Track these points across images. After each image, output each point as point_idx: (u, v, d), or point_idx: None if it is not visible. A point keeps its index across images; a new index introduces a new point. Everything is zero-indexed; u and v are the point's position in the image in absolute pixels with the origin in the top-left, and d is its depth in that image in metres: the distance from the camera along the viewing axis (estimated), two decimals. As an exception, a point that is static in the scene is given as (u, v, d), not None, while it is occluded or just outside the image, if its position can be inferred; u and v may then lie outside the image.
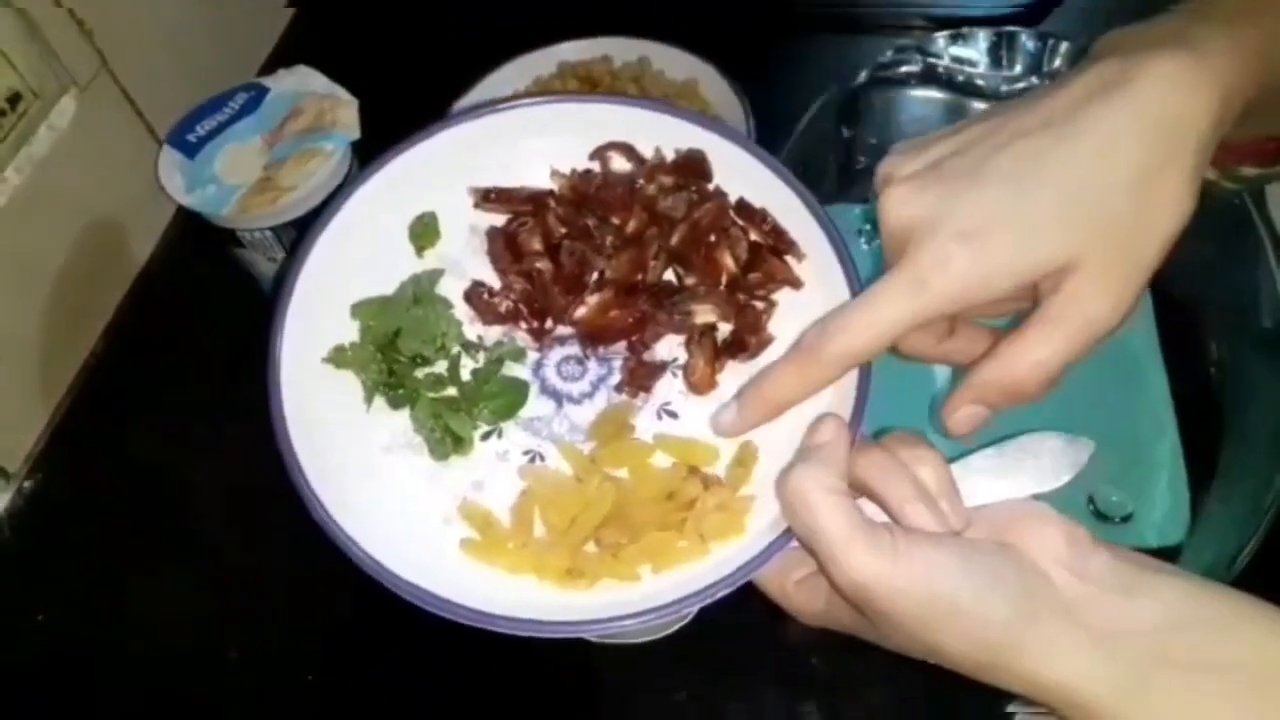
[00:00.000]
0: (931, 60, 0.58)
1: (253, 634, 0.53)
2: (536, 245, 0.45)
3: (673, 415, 0.43)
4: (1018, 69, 0.57)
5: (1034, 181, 0.35)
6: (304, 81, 0.64)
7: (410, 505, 0.41)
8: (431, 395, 0.43)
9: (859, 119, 0.61)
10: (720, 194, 0.45)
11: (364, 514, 0.39)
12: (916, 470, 0.36)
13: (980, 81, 0.57)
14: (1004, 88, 0.58)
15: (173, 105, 0.68)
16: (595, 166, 0.46)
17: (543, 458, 0.43)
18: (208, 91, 0.66)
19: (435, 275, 0.45)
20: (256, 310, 0.62)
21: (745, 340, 0.43)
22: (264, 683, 0.53)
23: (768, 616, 0.52)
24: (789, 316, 0.44)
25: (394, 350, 0.43)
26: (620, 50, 0.72)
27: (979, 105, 0.59)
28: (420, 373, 0.43)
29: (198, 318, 0.63)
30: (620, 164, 0.46)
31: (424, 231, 0.45)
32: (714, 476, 0.41)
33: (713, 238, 0.45)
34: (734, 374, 0.43)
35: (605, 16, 0.76)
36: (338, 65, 0.66)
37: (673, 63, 0.71)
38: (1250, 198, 0.51)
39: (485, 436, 0.43)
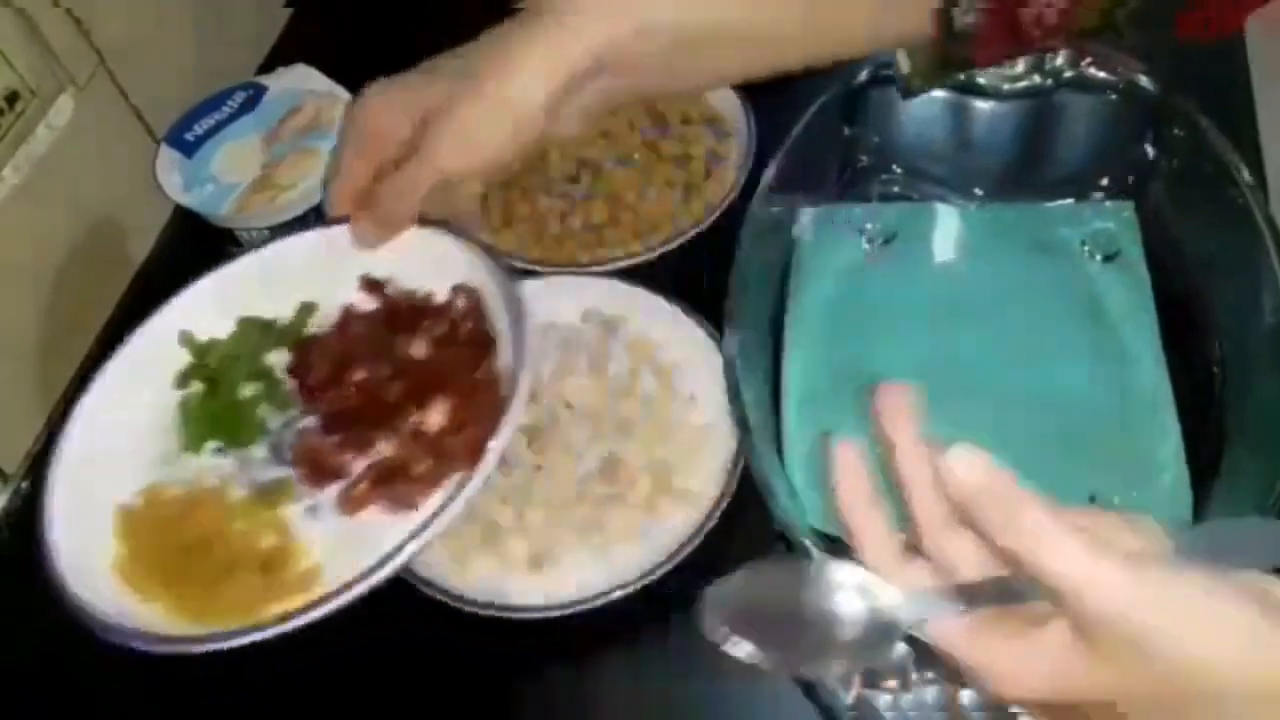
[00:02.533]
0: (932, 59, 0.58)
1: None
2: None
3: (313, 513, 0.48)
4: (1020, 68, 0.57)
5: None
6: (302, 80, 0.64)
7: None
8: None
9: (860, 118, 0.61)
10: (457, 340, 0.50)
11: None
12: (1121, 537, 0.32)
13: (982, 80, 0.57)
14: (1006, 87, 0.58)
15: (171, 104, 0.68)
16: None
17: None
18: (206, 91, 0.66)
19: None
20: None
21: (399, 484, 0.47)
22: (264, 683, 0.53)
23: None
24: None
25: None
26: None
27: (981, 104, 0.59)
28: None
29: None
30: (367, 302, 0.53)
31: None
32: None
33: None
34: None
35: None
36: (336, 65, 0.66)
37: (673, 61, 0.70)
38: (1252, 196, 0.51)
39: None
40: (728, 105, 0.68)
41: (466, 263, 0.51)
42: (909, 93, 0.49)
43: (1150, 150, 0.59)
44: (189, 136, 0.61)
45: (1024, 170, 0.61)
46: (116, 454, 0.51)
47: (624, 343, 0.59)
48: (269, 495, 0.49)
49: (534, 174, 0.67)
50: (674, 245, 0.62)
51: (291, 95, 0.62)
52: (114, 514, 0.49)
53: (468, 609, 0.50)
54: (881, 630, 0.33)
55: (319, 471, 0.49)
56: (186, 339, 0.53)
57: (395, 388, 0.49)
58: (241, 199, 0.58)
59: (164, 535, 0.49)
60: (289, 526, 0.48)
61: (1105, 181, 0.61)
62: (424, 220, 0.51)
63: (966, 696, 0.48)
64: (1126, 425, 0.52)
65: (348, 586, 0.42)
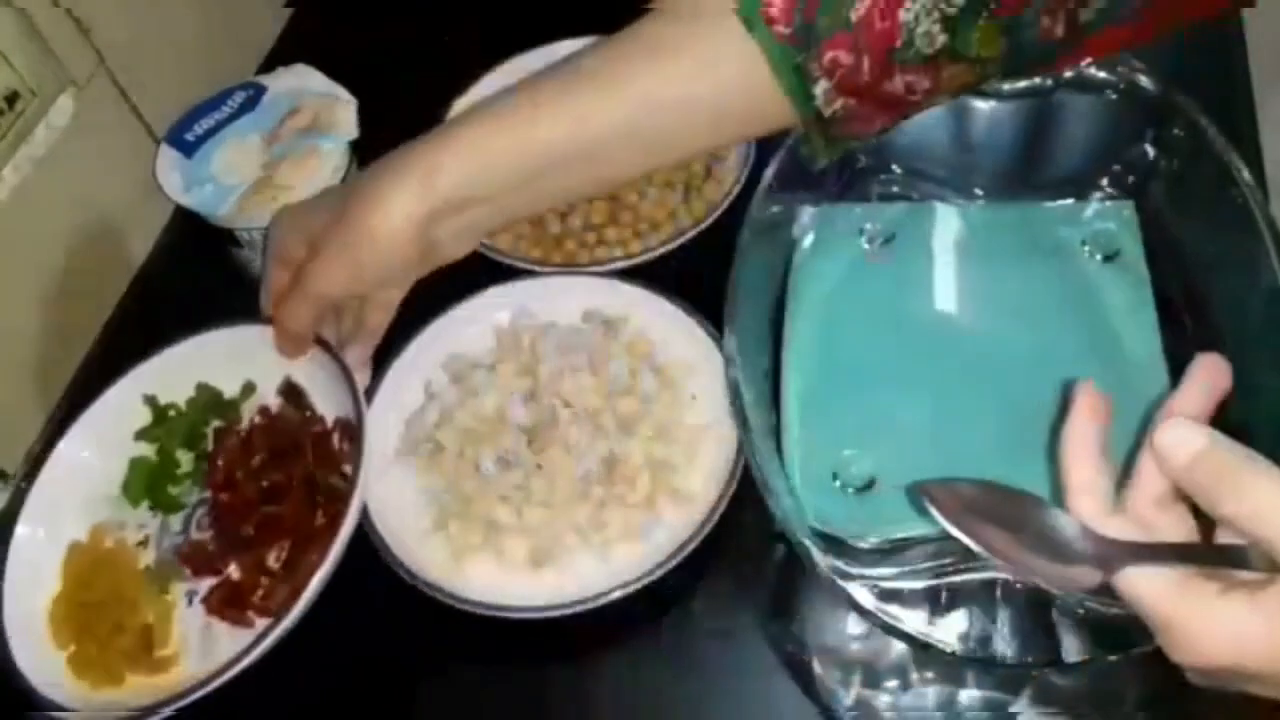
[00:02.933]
0: (932, 59, 0.58)
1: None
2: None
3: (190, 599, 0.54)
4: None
5: None
6: (302, 81, 0.64)
7: None
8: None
9: (860, 118, 0.61)
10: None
11: None
12: None
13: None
14: (1006, 87, 0.58)
15: (171, 104, 0.68)
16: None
17: None
18: (206, 91, 0.66)
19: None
20: (254, 309, 0.62)
21: (237, 605, 0.52)
22: (264, 682, 0.53)
23: (766, 617, 0.52)
24: None
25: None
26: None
27: (980, 104, 0.59)
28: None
29: (195, 317, 0.63)
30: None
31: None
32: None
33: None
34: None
35: (605, 16, 0.75)
36: (336, 65, 0.66)
37: (673, 62, 0.70)
38: (1252, 196, 0.51)
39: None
40: (728, 105, 0.68)
41: (345, 395, 0.55)
42: (815, 163, 0.50)
43: (1150, 150, 0.59)
44: (189, 136, 0.61)
45: (1024, 170, 0.61)
46: (82, 487, 0.57)
47: (624, 343, 0.59)
48: (164, 572, 0.55)
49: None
50: (674, 245, 0.62)
51: (291, 95, 0.62)
52: (66, 547, 0.55)
53: (468, 609, 0.50)
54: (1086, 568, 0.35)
55: (198, 564, 0.54)
56: (149, 400, 0.59)
57: (255, 517, 0.54)
58: (241, 199, 0.57)
59: (83, 586, 0.54)
60: (170, 608, 0.54)
61: (1105, 181, 0.61)
62: (321, 342, 0.56)
63: (965, 696, 0.48)
64: (1126, 423, 0.52)
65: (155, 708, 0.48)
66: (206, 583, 0.54)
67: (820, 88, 0.44)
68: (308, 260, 0.52)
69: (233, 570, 0.53)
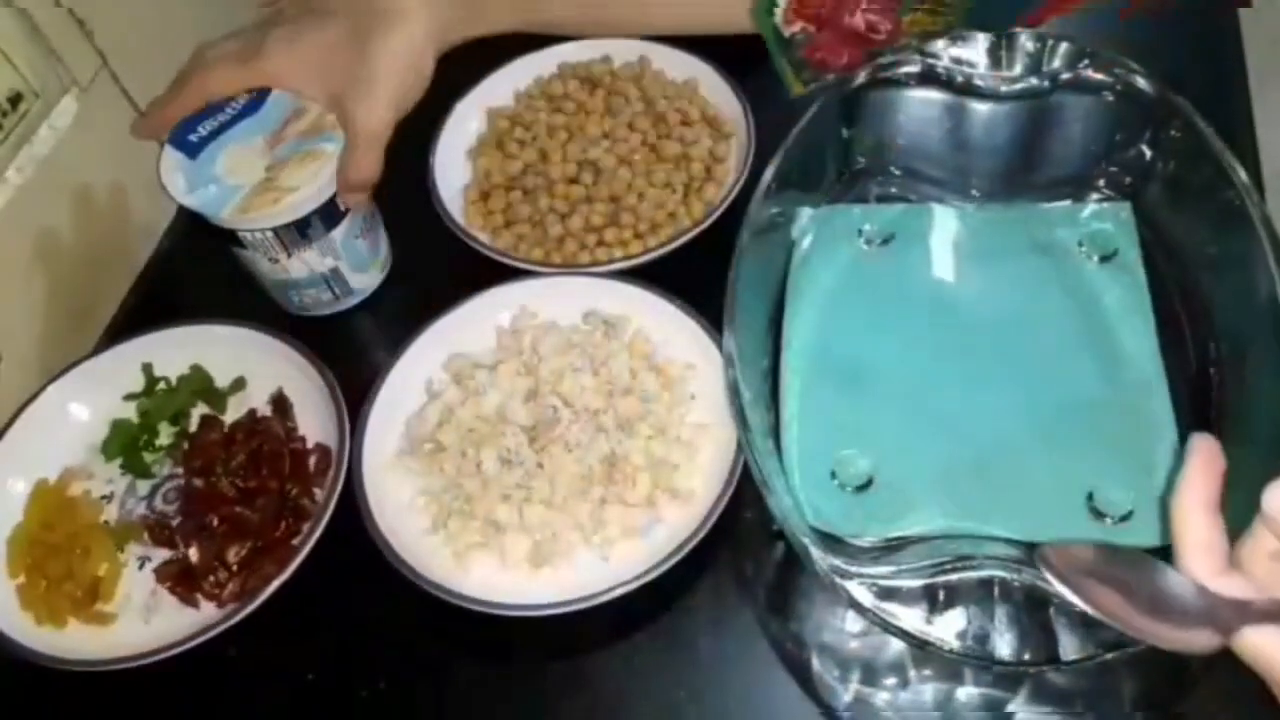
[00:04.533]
0: (930, 61, 0.58)
1: (253, 632, 0.53)
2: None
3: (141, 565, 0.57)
4: (1017, 69, 0.57)
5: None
6: None
7: None
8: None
9: (858, 119, 0.61)
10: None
11: None
12: None
13: (979, 82, 0.57)
14: (1003, 88, 0.58)
15: (173, 105, 0.68)
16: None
17: None
18: (208, 91, 0.66)
19: None
20: (257, 310, 0.62)
21: (188, 585, 0.54)
22: (264, 682, 0.53)
23: (766, 616, 0.52)
24: None
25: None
26: (620, 50, 0.72)
27: (978, 106, 0.59)
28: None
29: (198, 318, 0.63)
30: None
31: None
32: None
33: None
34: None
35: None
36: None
37: (672, 63, 0.71)
38: (1249, 197, 0.51)
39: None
40: (727, 106, 0.68)
41: (331, 423, 0.57)
42: (789, 93, 0.54)
43: (1147, 151, 0.59)
44: (192, 138, 0.61)
45: (1021, 171, 0.62)
46: (64, 431, 0.60)
47: (624, 343, 0.59)
48: (122, 531, 0.57)
49: (534, 175, 0.67)
50: (674, 246, 0.62)
51: (294, 97, 0.62)
52: (34, 486, 0.58)
53: (469, 607, 0.50)
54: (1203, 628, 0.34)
55: (157, 534, 0.57)
56: (145, 368, 0.62)
57: (225, 511, 0.56)
58: (244, 201, 0.58)
59: (44, 526, 0.57)
60: (119, 567, 0.56)
61: (1102, 182, 0.61)
62: (318, 365, 0.58)
63: (963, 694, 0.48)
64: (1123, 424, 0.52)
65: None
66: (161, 554, 0.56)
67: (781, 6, 0.46)
68: (331, 103, 0.60)
69: (192, 552, 0.55)
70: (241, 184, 0.58)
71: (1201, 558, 0.34)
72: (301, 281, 0.63)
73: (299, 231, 0.60)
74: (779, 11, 0.46)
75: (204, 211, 0.58)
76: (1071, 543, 0.36)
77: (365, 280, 0.66)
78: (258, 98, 0.62)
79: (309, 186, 0.58)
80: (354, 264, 0.64)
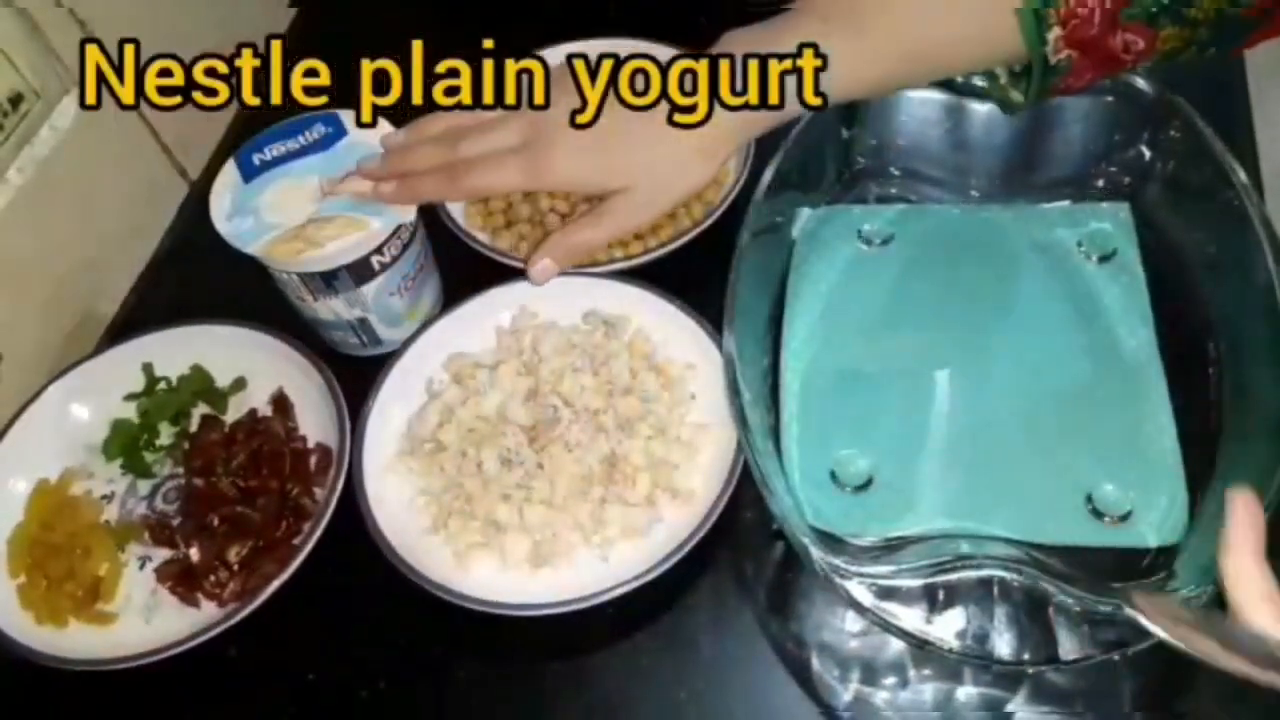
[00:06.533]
0: (930, 61, 0.58)
1: (253, 632, 0.53)
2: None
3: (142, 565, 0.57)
4: (1017, 69, 0.58)
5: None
6: (380, 138, 0.60)
7: None
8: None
9: (858, 119, 0.61)
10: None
11: None
12: None
13: (979, 82, 0.57)
14: (1003, 88, 0.58)
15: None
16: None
17: None
18: (208, 90, 0.66)
19: None
20: (257, 310, 0.62)
21: (188, 585, 0.54)
22: (264, 682, 0.53)
23: (766, 615, 0.52)
24: None
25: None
26: (621, 50, 0.72)
27: (977, 106, 0.59)
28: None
29: (198, 318, 0.63)
30: None
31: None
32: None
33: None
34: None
35: (605, 16, 0.76)
36: (339, 64, 0.66)
37: (672, 63, 0.71)
38: (1247, 197, 0.51)
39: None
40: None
41: (331, 423, 0.57)
42: (1010, 110, 0.55)
43: (1146, 151, 0.59)
44: (255, 159, 0.57)
45: (1021, 171, 0.62)
46: (65, 431, 0.60)
47: (624, 343, 0.59)
48: (123, 530, 0.57)
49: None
50: (674, 246, 0.62)
51: (365, 148, 0.59)
52: (35, 486, 0.58)
53: (469, 607, 0.50)
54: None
55: (158, 533, 0.57)
56: (146, 368, 0.62)
57: (226, 511, 0.56)
58: (271, 243, 0.55)
59: (45, 526, 0.57)
60: (120, 566, 0.56)
61: (1101, 183, 0.61)
62: (317, 363, 0.58)
63: (962, 694, 0.48)
64: (1123, 423, 0.52)
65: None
66: (162, 554, 0.56)
67: (1053, 34, 0.47)
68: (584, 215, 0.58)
69: (193, 551, 0.55)
70: (277, 224, 0.55)
71: (1266, 608, 0.36)
72: (327, 323, 0.61)
73: (324, 282, 0.57)
74: (1050, 40, 0.47)
75: (231, 242, 0.56)
76: (1152, 593, 0.38)
77: (397, 333, 0.62)
78: (334, 134, 0.60)
79: (332, 247, 0.55)
80: (385, 319, 0.61)
